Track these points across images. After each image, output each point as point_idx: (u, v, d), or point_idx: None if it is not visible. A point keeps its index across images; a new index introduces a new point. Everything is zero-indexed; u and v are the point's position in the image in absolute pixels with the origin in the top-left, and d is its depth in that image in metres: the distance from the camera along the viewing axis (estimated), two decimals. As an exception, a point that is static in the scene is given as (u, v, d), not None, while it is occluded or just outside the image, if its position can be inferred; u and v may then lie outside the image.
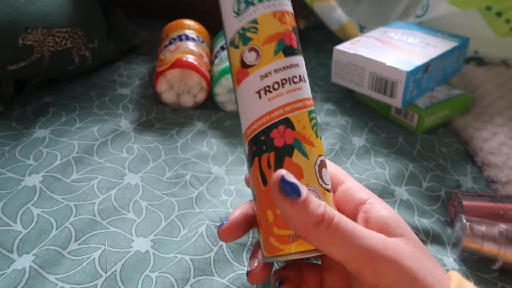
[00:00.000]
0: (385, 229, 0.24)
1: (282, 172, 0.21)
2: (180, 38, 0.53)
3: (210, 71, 0.53)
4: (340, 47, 0.52)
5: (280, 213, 0.22)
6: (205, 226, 0.34)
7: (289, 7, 0.26)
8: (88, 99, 0.49)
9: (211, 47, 0.58)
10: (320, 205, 0.21)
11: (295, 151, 0.23)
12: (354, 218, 0.25)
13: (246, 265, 0.32)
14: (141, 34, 0.63)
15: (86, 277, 0.29)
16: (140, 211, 0.35)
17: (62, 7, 0.47)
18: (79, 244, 0.31)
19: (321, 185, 0.24)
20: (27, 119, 0.46)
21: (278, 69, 0.24)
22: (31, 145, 0.41)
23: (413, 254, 0.22)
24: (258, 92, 0.24)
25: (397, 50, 0.51)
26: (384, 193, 0.40)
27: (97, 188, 0.36)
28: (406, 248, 0.22)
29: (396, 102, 0.48)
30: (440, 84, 0.53)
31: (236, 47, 0.25)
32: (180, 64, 0.49)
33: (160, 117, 0.49)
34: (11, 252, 0.30)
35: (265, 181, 0.24)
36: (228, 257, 0.32)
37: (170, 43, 0.53)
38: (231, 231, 0.26)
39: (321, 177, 0.24)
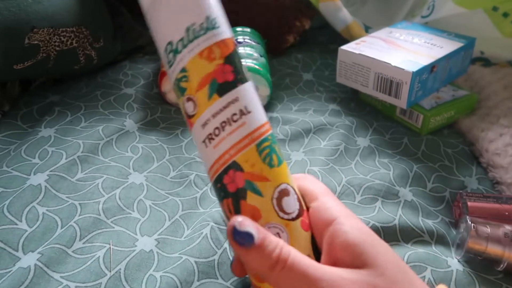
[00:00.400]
0: (351, 257, 0.22)
1: (235, 222, 0.21)
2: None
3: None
4: (345, 47, 0.52)
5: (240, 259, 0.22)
6: (209, 228, 0.34)
7: (218, 36, 0.24)
8: (93, 98, 0.49)
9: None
10: (276, 246, 0.21)
11: (248, 192, 0.23)
12: (321, 240, 0.24)
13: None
14: (146, 34, 0.63)
15: (91, 276, 0.29)
16: (145, 210, 0.36)
17: (68, 7, 0.47)
18: (83, 243, 0.32)
19: (282, 217, 0.23)
20: (33, 118, 0.46)
21: (216, 113, 0.23)
22: (37, 144, 0.41)
23: None
24: (204, 141, 0.24)
25: (402, 50, 0.50)
26: (389, 194, 0.40)
27: (101, 187, 0.37)
28: (368, 285, 0.21)
29: (401, 102, 0.48)
30: (445, 84, 0.53)
31: (178, 97, 0.24)
32: (184, 64, 0.49)
33: (164, 116, 0.49)
34: (16, 250, 0.30)
35: None
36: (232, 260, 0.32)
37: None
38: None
39: (281, 209, 0.23)
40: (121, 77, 0.55)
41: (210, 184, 0.24)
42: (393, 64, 0.47)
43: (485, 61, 0.62)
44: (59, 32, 0.46)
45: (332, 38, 0.72)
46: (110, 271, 0.30)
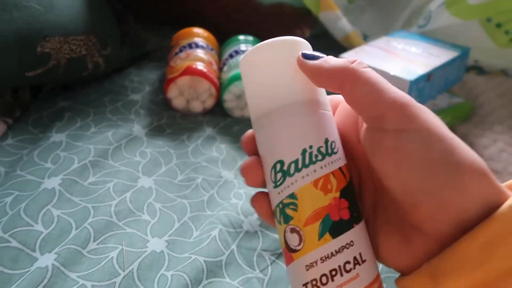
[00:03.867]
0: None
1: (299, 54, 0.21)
2: (190, 46, 0.55)
3: (219, 78, 0.54)
4: (345, 55, 0.54)
5: (315, 79, 0.21)
6: (217, 230, 0.35)
7: (335, 164, 0.21)
8: (102, 104, 0.51)
9: (220, 54, 0.60)
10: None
11: None
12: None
13: (256, 269, 0.33)
14: (152, 40, 0.65)
15: (105, 275, 0.31)
16: (154, 212, 0.37)
17: (78, 16, 0.49)
18: (97, 244, 0.33)
19: None
20: (43, 123, 0.47)
21: (325, 256, 0.20)
22: (49, 149, 0.42)
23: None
24: (305, 285, 0.20)
25: (400, 59, 0.52)
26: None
27: (113, 191, 0.38)
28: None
29: (399, 110, 0.50)
30: (441, 92, 0.55)
31: (279, 222, 0.21)
32: (190, 71, 0.51)
33: (170, 122, 0.51)
34: (34, 251, 0.32)
35: None
36: (239, 260, 0.34)
37: (181, 50, 0.54)
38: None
39: None
40: (128, 84, 0.56)
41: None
42: (391, 73, 0.49)
43: (479, 70, 0.64)
44: (69, 40, 0.48)
45: (331, 45, 0.74)
46: (124, 271, 0.31)
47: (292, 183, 0.20)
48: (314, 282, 0.20)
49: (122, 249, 0.33)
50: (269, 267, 0.34)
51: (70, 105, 0.50)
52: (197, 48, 0.55)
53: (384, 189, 0.21)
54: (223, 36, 0.61)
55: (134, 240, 0.34)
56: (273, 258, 0.34)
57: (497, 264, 0.17)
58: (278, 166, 0.21)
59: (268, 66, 0.22)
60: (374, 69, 0.50)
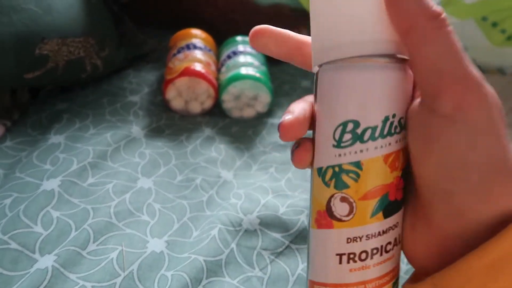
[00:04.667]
0: None
1: None
2: (188, 47, 0.55)
3: (217, 78, 0.55)
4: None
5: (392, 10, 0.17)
6: (217, 230, 0.35)
7: (404, 141, 0.19)
8: (100, 106, 0.51)
9: (218, 55, 0.60)
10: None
11: None
12: None
13: (256, 268, 0.34)
14: (149, 42, 0.65)
15: (106, 276, 0.31)
16: (154, 213, 0.37)
17: (76, 18, 0.49)
18: (97, 245, 0.33)
19: None
20: (42, 125, 0.47)
21: (372, 235, 0.19)
22: (48, 150, 0.42)
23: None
24: (340, 255, 0.19)
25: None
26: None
27: (112, 192, 0.38)
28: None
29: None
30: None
31: (326, 184, 0.19)
32: (189, 72, 0.51)
33: (169, 123, 0.51)
34: (34, 253, 0.32)
35: None
36: (239, 259, 0.34)
37: (179, 52, 0.55)
38: (296, 126, 0.20)
39: None
40: (126, 85, 0.56)
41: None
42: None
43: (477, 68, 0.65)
44: (68, 42, 0.48)
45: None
46: (124, 271, 0.31)
47: (361, 151, 0.18)
48: (351, 256, 0.19)
49: (122, 250, 0.33)
50: (269, 266, 0.34)
51: (69, 107, 0.50)
52: (195, 49, 0.55)
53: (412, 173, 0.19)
54: (221, 37, 0.62)
55: (134, 241, 0.34)
56: (272, 257, 0.35)
57: (501, 284, 0.16)
58: (351, 126, 0.18)
59: None
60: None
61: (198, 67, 0.51)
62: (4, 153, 0.43)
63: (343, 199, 0.19)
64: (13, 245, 0.32)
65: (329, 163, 0.19)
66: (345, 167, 0.18)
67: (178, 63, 0.52)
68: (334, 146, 0.19)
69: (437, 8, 0.17)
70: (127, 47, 0.62)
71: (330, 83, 0.18)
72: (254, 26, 0.23)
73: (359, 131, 0.18)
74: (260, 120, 0.54)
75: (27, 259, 0.31)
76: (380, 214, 0.19)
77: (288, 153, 0.48)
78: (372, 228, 0.19)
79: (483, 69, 0.64)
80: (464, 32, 0.61)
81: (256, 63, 0.55)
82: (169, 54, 0.56)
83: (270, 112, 0.56)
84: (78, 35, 0.49)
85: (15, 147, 0.44)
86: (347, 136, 0.18)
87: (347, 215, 0.19)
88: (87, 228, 0.34)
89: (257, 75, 0.52)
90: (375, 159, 0.18)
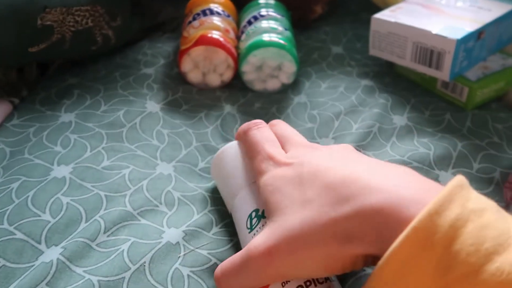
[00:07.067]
0: None
1: None
2: (204, 13, 0.50)
3: (237, 47, 0.50)
4: (379, 15, 0.47)
5: None
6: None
7: None
8: (112, 80, 0.47)
9: (238, 22, 0.55)
10: None
11: None
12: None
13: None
14: (166, 10, 0.60)
15: (114, 269, 0.28)
16: (172, 203, 0.34)
17: (81, -16, 0.45)
18: (108, 236, 0.30)
19: None
20: (52, 101, 0.44)
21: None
22: (58, 130, 0.39)
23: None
24: None
25: (444, 16, 0.45)
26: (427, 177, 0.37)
27: (128, 179, 0.35)
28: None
29: (443, 74, 0.43)
30: (494, 52, 0.48)
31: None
32: (204, 41, 0.46)
33: (186, 96, 0.47)
34: (39, 243, 0.29)
35: None
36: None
37: (194, 18, 0.50)
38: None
39: None
40: (140, 57, 0.52)
41: None
42: (434, 31, 0.42)
43: None
44: (73, 11, 0.44)
45: (364, 6, 0.67)
46: (134, 264, 0.28)
47: (263, 225, 0.26)
48: None
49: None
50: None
51: (79, 82, 0.47)
52: (212, 15, 0.50)
53: None
54: (242, 1, 0.56)
55: (149, 232, 0.31)
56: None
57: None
58: (253, 213, 0.27)
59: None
60: (413, 28, 0.44)
61: (215, 34, 0.46)
62: (10, 131, 0.40)
63: None
64: (19, 235, 0.30)
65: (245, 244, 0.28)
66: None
67: (193, 31, 0.47)
68: (249, 232, 0.27)
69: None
70: (141, 16, 0.57)
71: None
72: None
73: (260, 213, 0.28)
74: (285, 95, 0.49)
75: (32, 250, 0.29)
76: None
77: (313, 135, 0.43)
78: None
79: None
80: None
81: (280, 28, 0.49)
82: (185, 22, 0.52)
83: (296, 83, 0.50)
84: (84, 3, 0.45)
85: (22, 124, 0.41)
86: (254, 221, 0.27)
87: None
88: (97, 218, 0.31)
89: (281, 41, 0.46)
90: None
